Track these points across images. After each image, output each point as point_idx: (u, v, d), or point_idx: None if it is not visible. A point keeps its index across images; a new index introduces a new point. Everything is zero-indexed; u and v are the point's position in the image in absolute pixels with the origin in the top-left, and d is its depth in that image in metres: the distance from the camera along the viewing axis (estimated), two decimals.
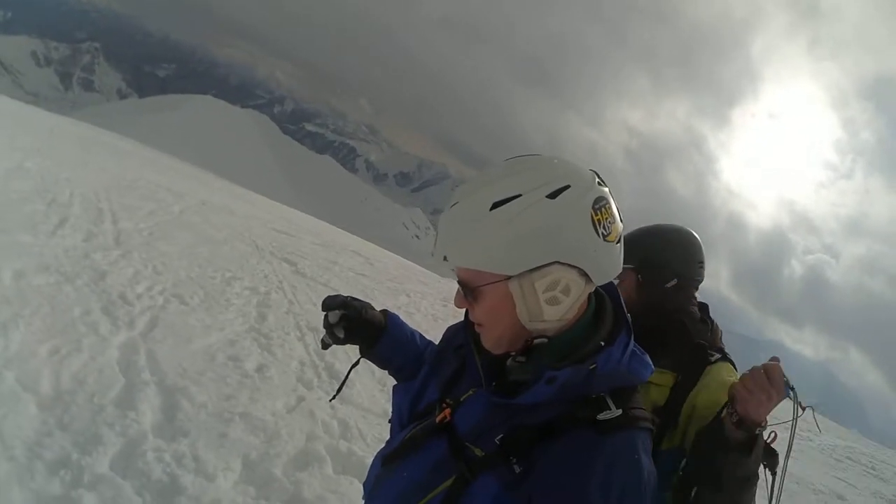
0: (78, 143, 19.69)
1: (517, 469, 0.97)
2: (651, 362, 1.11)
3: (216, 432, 3.43)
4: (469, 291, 1.08)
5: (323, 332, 1.49)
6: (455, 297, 1.13)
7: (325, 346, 1.51)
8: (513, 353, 1.09)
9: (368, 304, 1.52)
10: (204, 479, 2.95)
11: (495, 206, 1.00)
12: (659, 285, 1.91)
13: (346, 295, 1.50)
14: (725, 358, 1.77)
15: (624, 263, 1.62)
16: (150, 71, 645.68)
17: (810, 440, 12.59)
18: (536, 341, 1.06)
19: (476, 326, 1.13)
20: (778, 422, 1.42)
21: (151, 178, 15.48)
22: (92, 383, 3.41)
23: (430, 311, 10.66)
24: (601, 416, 0.98)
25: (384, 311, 1.55)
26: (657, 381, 1.72)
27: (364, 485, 1.33)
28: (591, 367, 1.01)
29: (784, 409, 1.33)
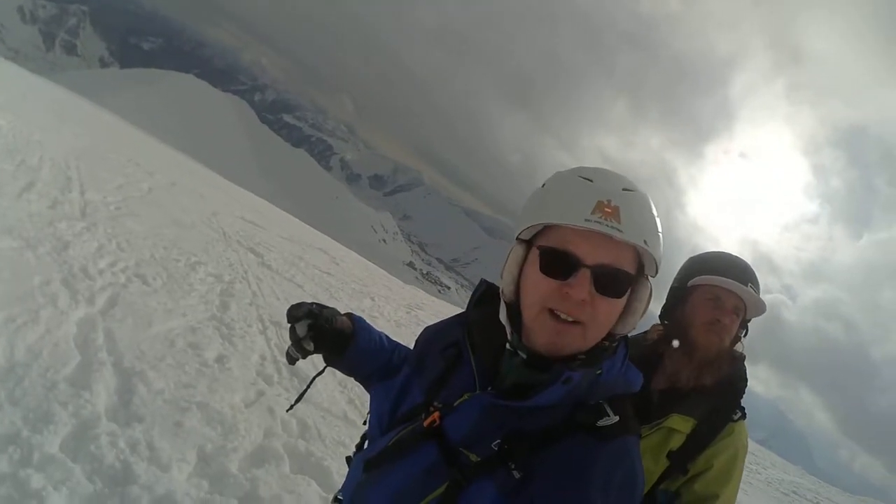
0: (53, 106, 19.12)
1: (516, 475, 0.97)
2: (642, 376, 1.13)
3: (172, 421, 3.32)
4: (627, 282, 1.04)
5: (289, 343, 1.41)
6: (583, 288, 0.99)
7: (291, 360, 1.41)
8: (581, 355, 1.04)
9: (335, 311, 1.46)
10: (158, 468, 2.85)
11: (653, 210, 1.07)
12: (746, 334, 1.78)
13: (310, 303, 1.42)
14: (744, 414, 1.71)
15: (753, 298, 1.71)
16: (136, 43, 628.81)
17: (759, 473, 12.93)
18: (617, 341, 1.09)
19: (570, 325, 1.01)
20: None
21: (123, 152, 15.08)
22: (47, 357, 3.29)
23: (394, 317, 10.61)
24: (600, 423, 1.01)
25: (350, 315, 1.51)
26: (679, 428, 1.67)
27: (343, 489, 1.29)
28: (598, 372, 1.04)
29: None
